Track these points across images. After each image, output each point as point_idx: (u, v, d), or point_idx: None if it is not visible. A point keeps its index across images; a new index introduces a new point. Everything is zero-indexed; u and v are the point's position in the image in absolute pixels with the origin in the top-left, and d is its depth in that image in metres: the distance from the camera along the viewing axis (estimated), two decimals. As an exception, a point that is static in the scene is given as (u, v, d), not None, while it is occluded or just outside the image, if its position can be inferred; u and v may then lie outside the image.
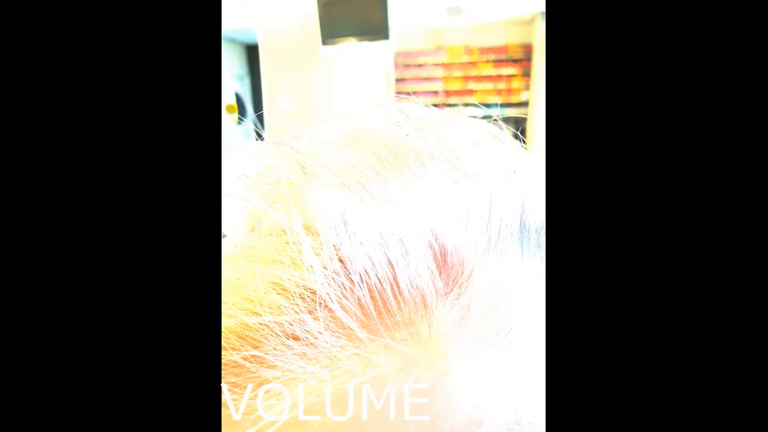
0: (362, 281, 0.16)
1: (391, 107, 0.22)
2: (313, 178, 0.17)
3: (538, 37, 4.54)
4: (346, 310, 0.16)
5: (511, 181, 0.19)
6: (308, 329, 0.16)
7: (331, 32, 3.17)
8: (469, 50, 5.39)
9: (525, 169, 0.20)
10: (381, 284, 0.16)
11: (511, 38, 5.23)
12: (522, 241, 0.18)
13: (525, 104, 5.28)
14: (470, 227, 0.17)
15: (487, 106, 5.52)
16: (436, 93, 5.61)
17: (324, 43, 3.20)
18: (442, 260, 0.17)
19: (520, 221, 0.18)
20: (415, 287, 0.16)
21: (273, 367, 0.16)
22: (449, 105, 5.61)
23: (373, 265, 0.16)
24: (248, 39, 5.15)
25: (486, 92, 5.48)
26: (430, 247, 0.17)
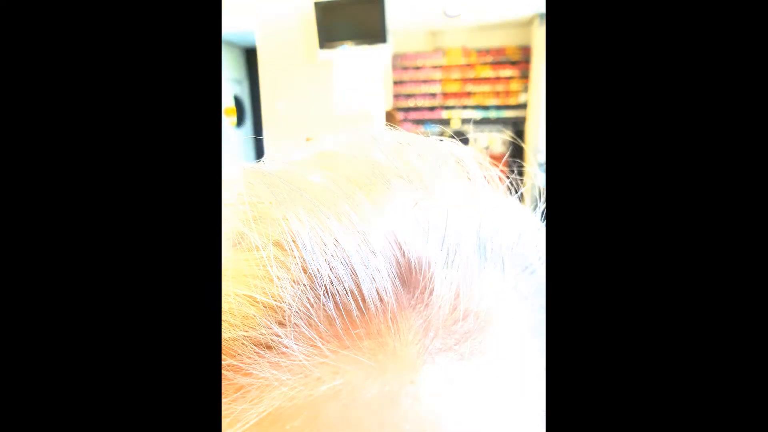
0: (328, 294, 0.17)
1: (370, 133, 0.23)
2: (285, 198, 0.19)
3: (536, 39, 4.55)
4: (311, 326, 0.17)
5: (468, 200, 0.20)
6: (279, 340, 0.17)
7: (329, 35, 3.18)
8: (467, 52, 5.40)
9: (482, 189, 0.22)
10: (347, 297, 0.17)
11: (509, 40, 5.24)
12: (480, 256, 0.19)
13: (523, 106, 5.29)
14: (431, 243, 0.18)
15: (485, 108, 5.53)
16: (434, 95, 5.62)
17: (322, 46, 3.21)
18: (407, 274, 0.18)
19: (477, 237, 0.19)
20: (380, 300, 0.18)
21: (249, 375, 0.17)
22: (447, 107, 5.62)
23: (339, 280, 0.17)
24: (247, 42, 5.16)
25: (484, 94, 5.49)
26: (396, 262, 0.18)
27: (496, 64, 5.35)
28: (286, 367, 0.17)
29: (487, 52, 5.34)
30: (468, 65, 5.45)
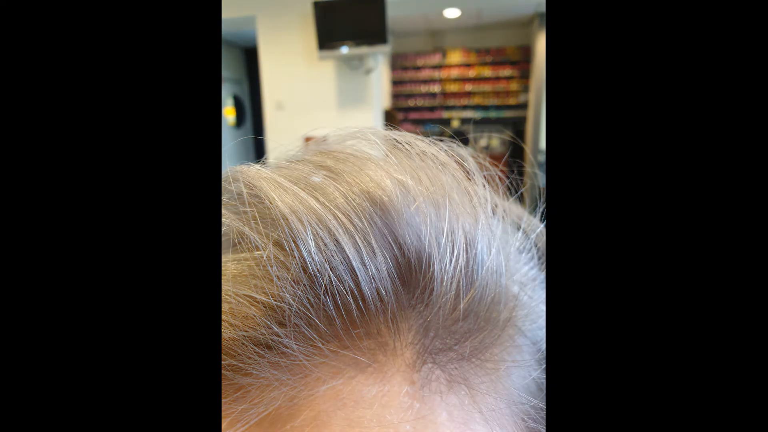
0: (328, 294, 0.17)
1: (374, 132, 0.23)
2: (286, 198, 0.19)
3: (536, 39, 4.54)
4: (311, 326, 0.17)
5: (468, 200, 0.20)
6: (279, 340, 0.17)
7: (328, 35, 3.18)
8: (467, 52, 5.40)
9: (482, 189, 0.22)
10: (347, 297, 0.17)
11: (509, 40, 5.24)
12: (480, 256, 0.19)
13: (523, 106, 5.29)
14: (432, 243, 0.18)
15: (485, 108, 5.54)
16: (434, 95, 5.62)
17: (322, 46, 3.21)
18: (407, 274, 0.18)
19: (478, 237, 0.19)
20: (380, 300, 0.18)
21: (249, 375, 0.17)
22: (447, 107, 5.63)
23: (339, 280, 0.17)
24: (247, 42, 5.16)
25: (484, 94, 5.50)
26: (396, 263, 0.18)
27: (496, 64, 5.35)
28: (286, 367, 0.17)
29: (487, 52, 5.34)
30: (468, 65, 5.45)
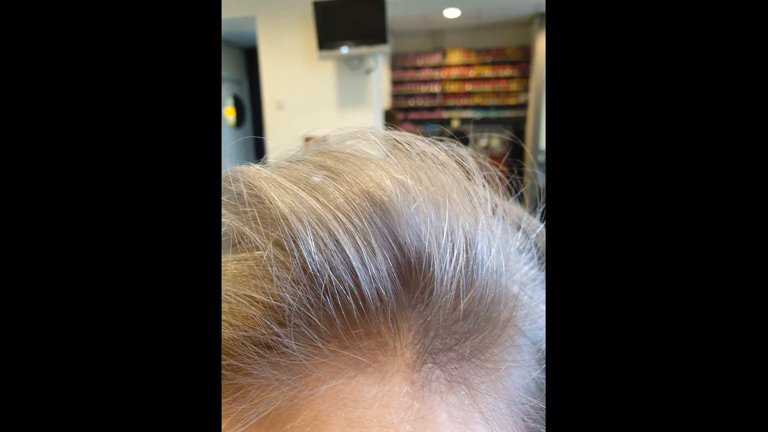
0: (327, 294, 0.17)
1: (374, 132, 0.23)
2: (286, 198, 0.19)
3: (536, 39, 4.54)
4: (311, 326, 0.17)
5: (468, 200, 0.20)
6: (279, 340, 0.17)
7: (328, 35, 3.18)
8: (467, 52, 5.40)
9: (482, 189, 0.22)
10: (347, 297, 0.17)
11: (509, 40, 5.24)
12: (480, 256, 0.19)
13: (523, 106, 5.29)
14: (432, 243, 0.18)
15: (485, 108, 5.54)
16: (434, 95, 5.62)
17: (322, 46, 3.21)
18: (407, 274, 0.18)
19: (478, 237, 0.19)
20: (380, 300, 0.18)
21: (249, 375, 0.17)
22: (447, 107, 5.63)
23: (339, 280, 0.17)
24: (247, 42, 5.16)
25: (484, 94, 5.50)
26: (396, 262, 0.18)
27: (496, 64, 5.35)
28: (286, 367, 0.17)
29: (487, 52, 5.34)
30: (468, 65, 5.45)
